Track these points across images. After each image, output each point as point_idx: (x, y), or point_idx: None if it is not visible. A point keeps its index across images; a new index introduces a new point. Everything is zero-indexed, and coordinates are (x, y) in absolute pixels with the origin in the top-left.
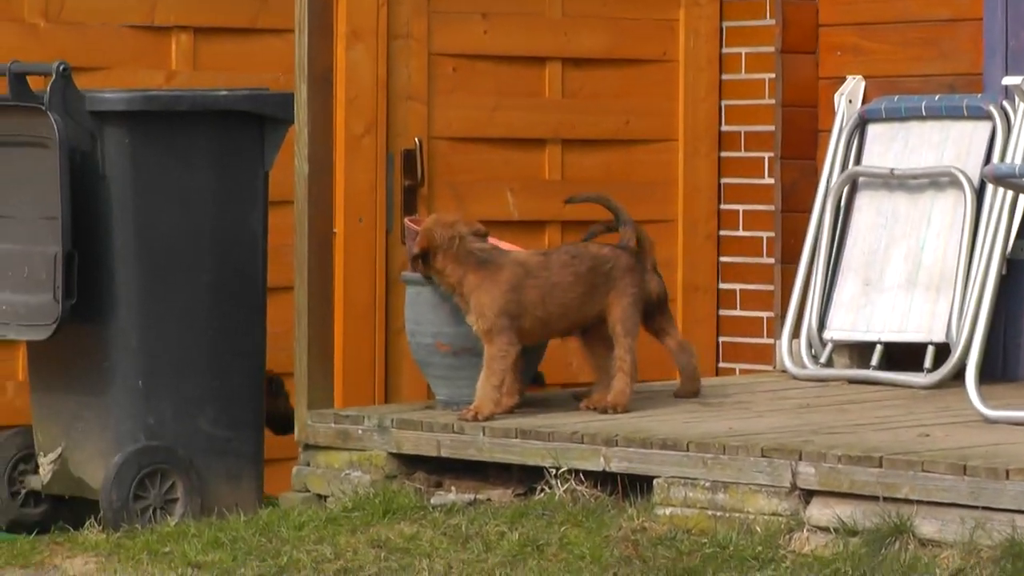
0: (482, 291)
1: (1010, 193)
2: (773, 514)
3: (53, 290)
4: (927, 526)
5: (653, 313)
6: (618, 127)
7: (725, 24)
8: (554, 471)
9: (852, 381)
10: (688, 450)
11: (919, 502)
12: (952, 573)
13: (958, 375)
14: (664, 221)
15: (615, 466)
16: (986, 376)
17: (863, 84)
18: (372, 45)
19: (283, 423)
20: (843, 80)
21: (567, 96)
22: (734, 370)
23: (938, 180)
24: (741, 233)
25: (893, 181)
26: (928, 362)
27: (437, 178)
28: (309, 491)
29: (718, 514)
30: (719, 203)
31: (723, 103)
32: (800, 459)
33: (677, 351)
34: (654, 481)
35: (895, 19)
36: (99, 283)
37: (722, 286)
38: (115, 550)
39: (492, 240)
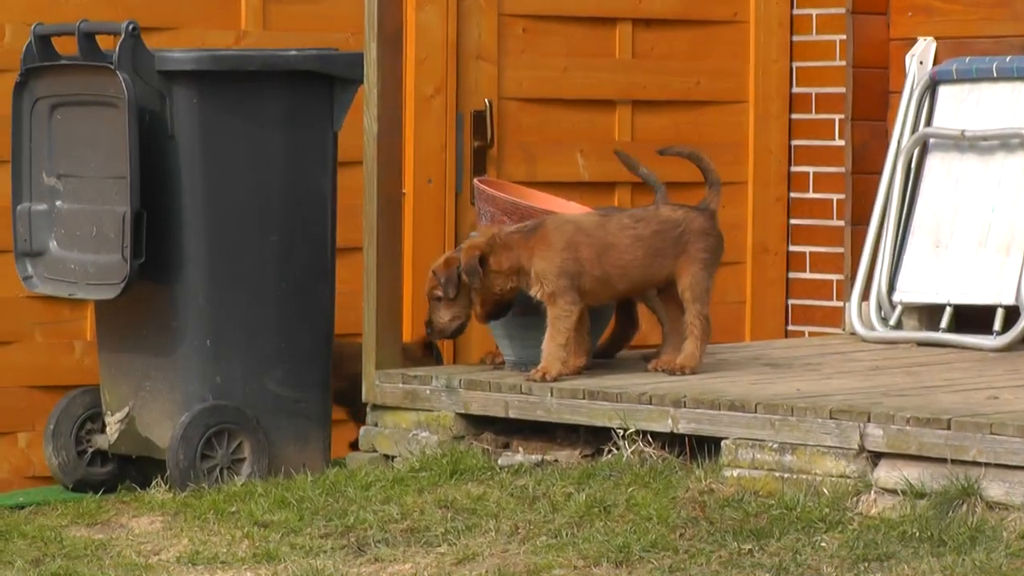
0: (537, 257)
1: None
2: (841, 476)
3: (121, 249)
4: (995, 489)
5: None
6: (688, 88)
7: None
8: (622, 432)
9: (921, 343)
10: (756, 412)
11: (987, 464)
12: (1019, 535)
13: None
14: (734, 183)
15: (683, 427)
16: None
17: (934, 45)
18: (442, 5)
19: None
20: (914, 41)
21: (637, 57)
22: (803, 333)
23: (1009, 142)
24: (811, 195)
25: (964, 143)
26: (998, 324)
27: (507, 139)
28: (376, 451)
29: (785, 476)
30: (789, 165)
31: (794, 65)
32: (868, 421)
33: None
34: (722, 443)
35: None
36: (167, 243)
37: (792, 248)
38: (181, 509)
39: (562, 201)
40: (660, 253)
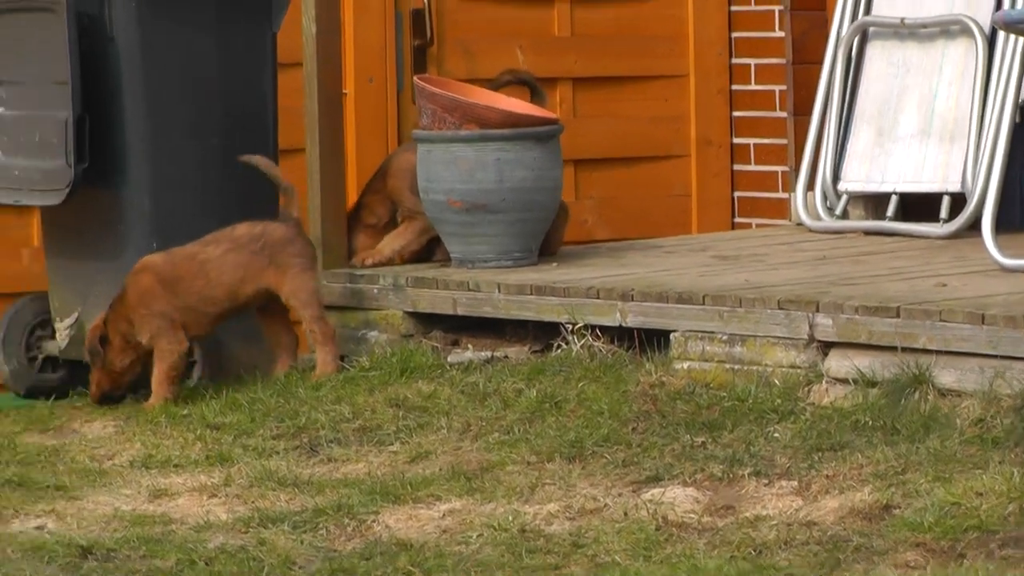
0: (133, 316)
1: (1022, 40)
2: (791, 366)
3: (65, 155)
4: (946, 376)
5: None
6: None
7: None
8: (570, 327)
9: (868, 232)
10: (704, 304)
11: (938, 352)
12: (972, 422)
13: (974, 225)
14: (676, 76)
15: (631, 321)
16: (1002, 226)
17: None
18: None
19: None
20: None
21: None
22: (750, 225)
23: (949, 29)
24: (753, 87)
25: (903, 31)
26: (944, 212)
27: (447, 36)
28: None
29: (736, 367)
30: (730, 57)
31: None
32: (817, 311)
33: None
34: (671, 335)
35: None
36: (110, 147)
37: (735, 141)
38: (133, 414)
39: (502, 96)
40: (241, 269)
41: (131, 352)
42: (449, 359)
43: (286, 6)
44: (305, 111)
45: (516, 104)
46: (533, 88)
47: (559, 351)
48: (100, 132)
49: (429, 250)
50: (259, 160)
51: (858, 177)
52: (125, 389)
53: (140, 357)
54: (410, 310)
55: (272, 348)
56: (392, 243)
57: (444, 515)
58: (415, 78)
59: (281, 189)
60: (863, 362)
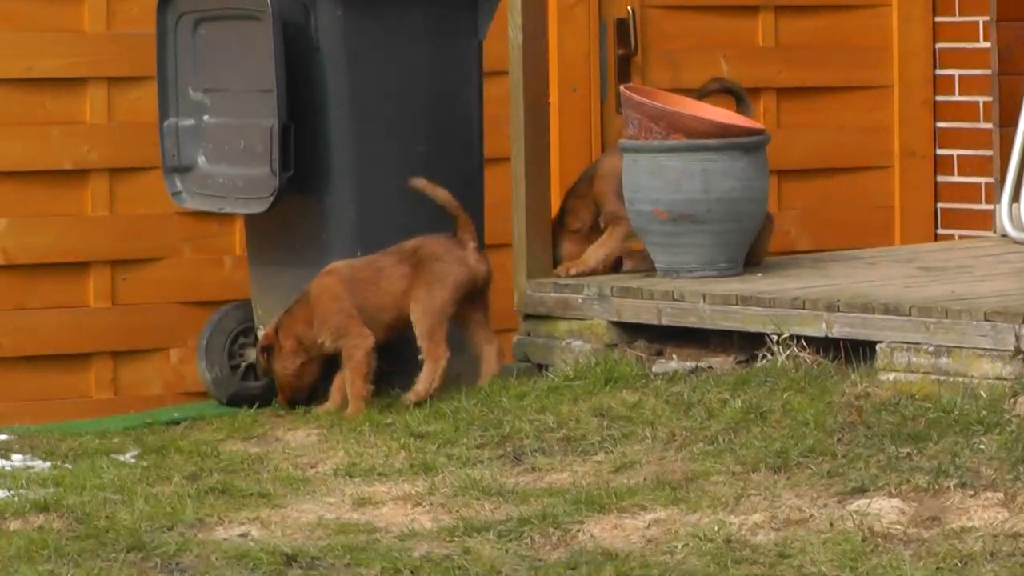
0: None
1: None
2: (997, 378)
3: (270, 163)
4: None
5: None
6: None
7: None
8: (775, 337)
9: None
10: (910, 315)
11: None
12: None
13: None
14: (879, 87)
15: (837, 331)
16: None
17: None
18: None
19: None
20: None
21: None
22: (953, 236)
23: None
24: (957, 98)
25: None
26: None
27: (650, 46)
28: (530, 361)
29: (941, 379)
30: (934, 68)
31: None
32: (1023, 323)
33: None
34: (876, 346)
35: None
36: (315, 155)
37: (939, 152)
38: (337, 422)
39: (707, 106)
40: (404, 280)
41: (303, 355)
42: (653, 369)
43: (492, 15)
44: (511, 120)
45: (723, 114)
46: (739, 97)
47: (764, 361)
48: (305, 140)
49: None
50: (424, 184)
51: None
52: (306, 392)
53: (315, 360)
54: (614, 320)
55: (475, 357)
56: (596, 252)
57: (649, 525)
58: (622, 87)
59: (450, 212)
60: None
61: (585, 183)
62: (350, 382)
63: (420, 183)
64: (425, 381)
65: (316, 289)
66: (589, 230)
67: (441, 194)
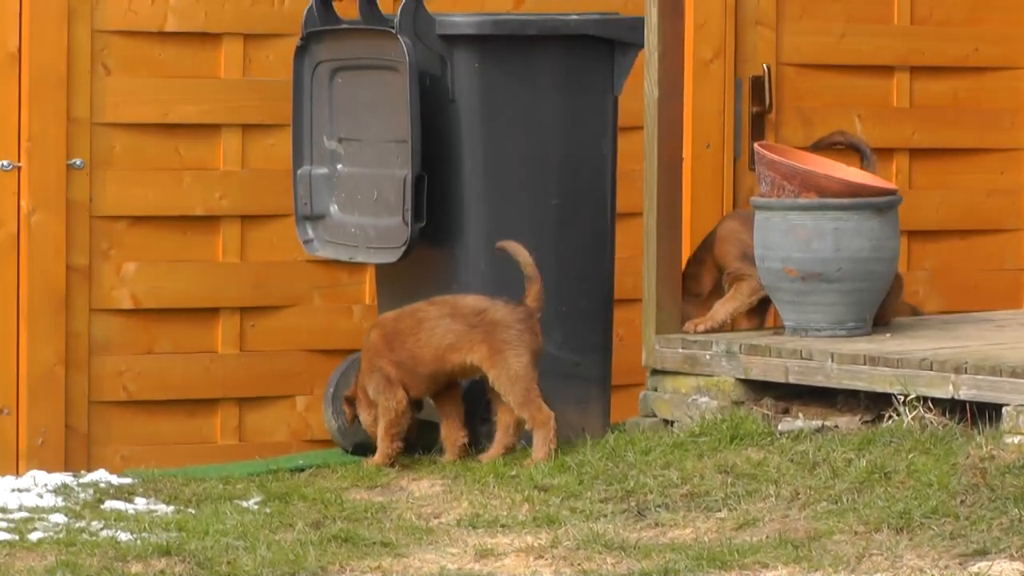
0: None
1: None
2: None
3: (403, 213)
4: None
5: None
6: (967, 54)
7: None
8: (902, 398)
9: None
10: None
11: None
12: None
13: None
14: (1012, 149)
15: (964, 394)
16: None
17: None
18: None
19: None
20: None
21: (916, 22)
22: None
23: None
24: None
25: None
26: None
27: (784, 104)
28: (656, 416)
29: None
30: None
31: None
32: None
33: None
34: (1003, 409)
35: None
36: (448, 206)
37: None
38: (461, 473)
39: (841, 166)
40: (452, 336)
41: (375, 407)
42: (779, 427)
43: (629, 70)
44: (644, 175)
45: (855, 174)
46: (863, 153)
47: (889, 422)
48: (438, 191)
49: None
50: (511, 246)
51: None
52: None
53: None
54: (741, 377)
55: (496, 426)
56: (725, 307)
57: None
58: (755, 145)
59: (525, 276)
60: None
61: (705, 249)
62: (379, 438)
63: (506, 244)
64: (541, 449)
65: (364, 343)
66: (708, 294)
67: (523, 257)
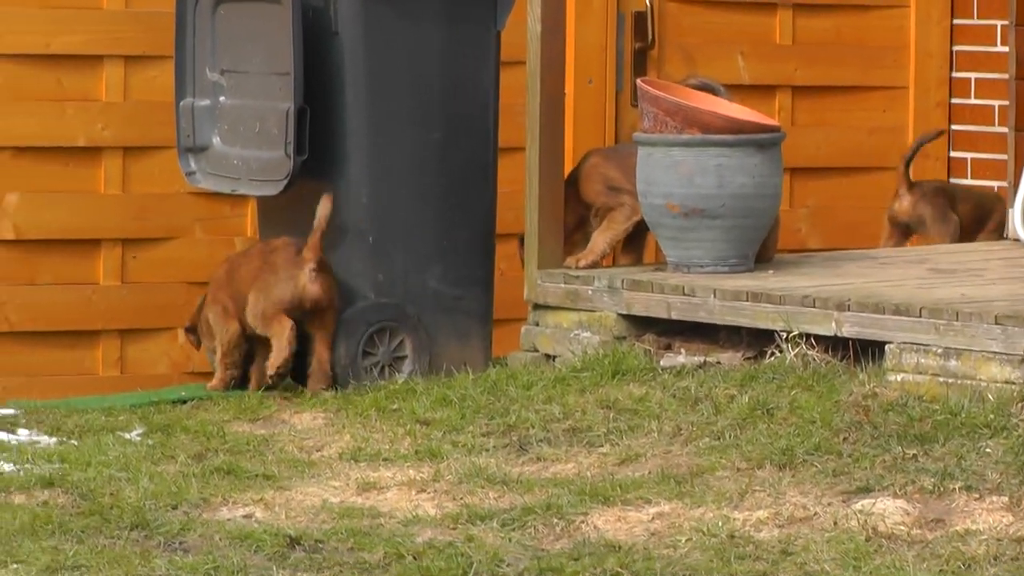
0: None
1: None
2: (1006, 382)
3: (284, 146)
4: None
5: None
6: None
7: None
8: (785, 335)
9: None
10: (921, 316)
11: None
12: None
13: None
14: (895, 87)
15: (847, 331)
16: None
17: None
18: None
19: None
20: None
21: None
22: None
23: None
24: (973, 101)
25: None
26: None
27: (667, 40)
28: (538, 351)
29: (949, 381)
30: (951, 71)
31: None
32: None
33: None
34: (886, 347)
35: None
36: (330, 139)
37: (953, 155)
38: (343, 406)
39: (723, 102)
40: (250, 277)
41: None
42: (662, 363)
43: (511, 5)
44: (527, 110)
45: (739, 110)
46: (718, 93)
47: (772, 359)
48: (320, 124)
49: None
50: (326, 197)
51: None
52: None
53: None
54: (624, 312)
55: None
56: (603, 236)
57: (653, 518)
58: (638, 81)
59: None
60: None
61: (568, 186)
62: (216, 365)
63: (325, 197)
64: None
65: (212, 275)
66: (571, 232)
67: (320, 209)
